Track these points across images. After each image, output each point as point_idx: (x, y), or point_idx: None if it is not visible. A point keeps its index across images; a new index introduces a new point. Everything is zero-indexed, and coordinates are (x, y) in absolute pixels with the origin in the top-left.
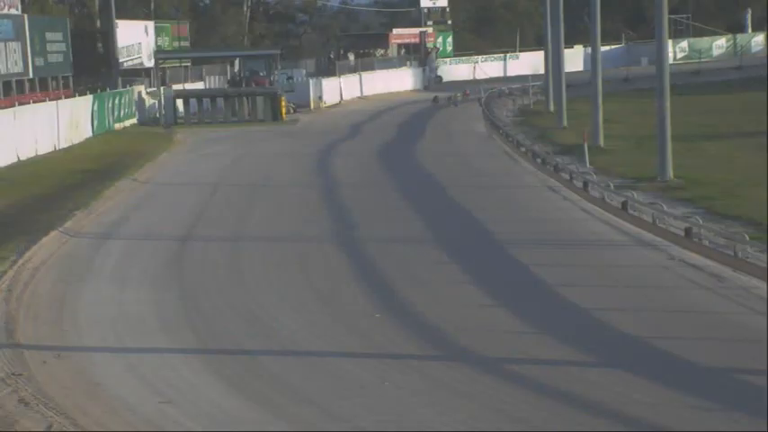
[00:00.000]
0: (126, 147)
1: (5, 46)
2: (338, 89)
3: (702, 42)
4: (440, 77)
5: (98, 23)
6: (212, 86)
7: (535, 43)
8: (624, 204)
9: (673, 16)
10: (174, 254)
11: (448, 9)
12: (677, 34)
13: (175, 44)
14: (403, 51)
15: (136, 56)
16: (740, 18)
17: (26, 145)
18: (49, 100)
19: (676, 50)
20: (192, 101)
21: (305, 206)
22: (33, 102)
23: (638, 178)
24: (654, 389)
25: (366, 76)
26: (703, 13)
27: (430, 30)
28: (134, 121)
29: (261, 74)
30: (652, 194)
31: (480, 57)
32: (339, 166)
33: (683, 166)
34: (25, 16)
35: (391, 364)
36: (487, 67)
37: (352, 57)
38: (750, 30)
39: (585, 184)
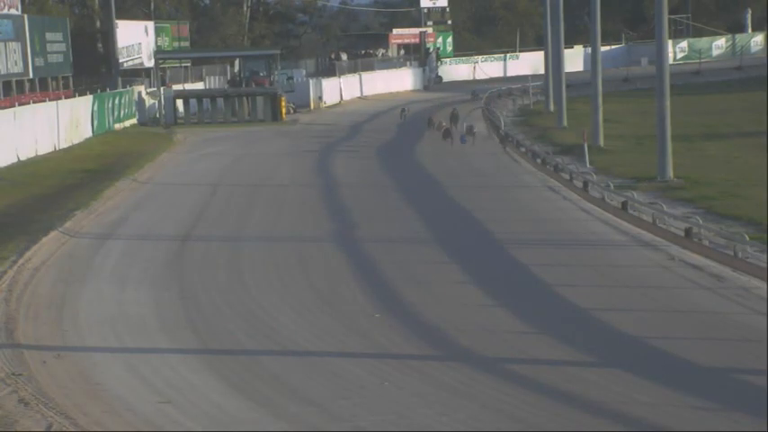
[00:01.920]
0: (126, 147)
1: (5, 46)
2: (338, 89)
3: (702, 42)
4: (440, 77)
5: (98, 23)
6: (212, 87)
7: (535, 43)
8: (624, 204)
9: (673, 16)
10: (174, 254)
11: (448, 9)
12: (677, 34)
13: (175, 44)
14: (402, 51)
15: (136, 56)
16: (740, 18)
17: (26, 145)
18: (49, 100)
19: (676, 50)
20: (192, 101)
21: (305, 206)
22: (33, 102)
23: (638, 178)
24: (654, 389)
25: (366, 76)
26: (703, 13)
27: (430, 30)
28: (134, 121)
29: (261, 74)
30: (652, 194)
31: (480, 57)
32: (339, 166)
33: (682, 166)
34: (25, 16)
35: (391, 363)
36: (487, 67)
37: (344, 56)
38: (750, 30)
39: (585, 184)
